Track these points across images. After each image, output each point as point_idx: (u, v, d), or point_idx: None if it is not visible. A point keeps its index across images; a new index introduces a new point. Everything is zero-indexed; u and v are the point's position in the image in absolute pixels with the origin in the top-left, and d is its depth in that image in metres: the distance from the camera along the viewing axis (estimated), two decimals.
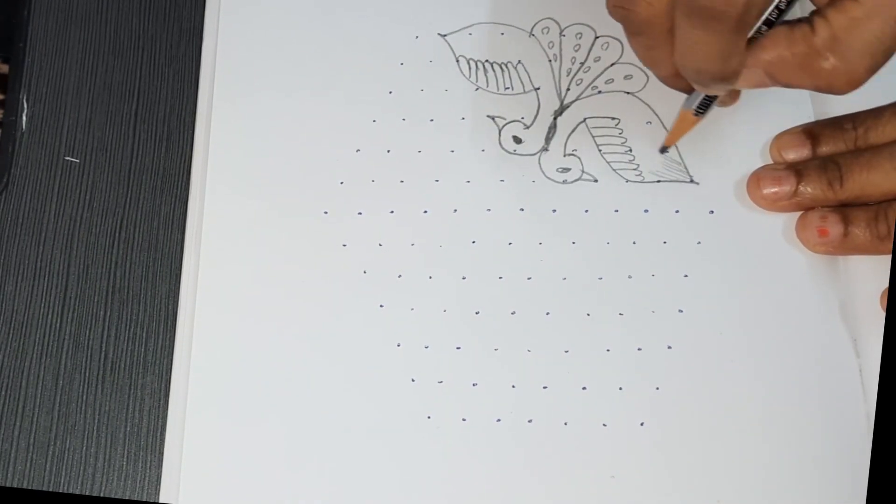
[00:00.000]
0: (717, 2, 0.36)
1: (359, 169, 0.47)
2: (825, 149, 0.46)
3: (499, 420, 0.43)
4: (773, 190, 0.46)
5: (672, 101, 0.49)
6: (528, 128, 0.49)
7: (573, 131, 0.49)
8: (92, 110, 0.49)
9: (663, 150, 0.47)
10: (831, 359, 0.44)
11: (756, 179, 0.46)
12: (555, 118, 0.49)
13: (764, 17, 0.38)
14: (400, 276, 0.45)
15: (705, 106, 0.44)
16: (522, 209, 0.47)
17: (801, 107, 0.48)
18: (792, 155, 0.47)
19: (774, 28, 0.38)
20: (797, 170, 0.45)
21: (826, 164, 0.45)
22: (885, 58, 0.37)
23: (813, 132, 0.46)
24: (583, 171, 0.48)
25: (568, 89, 0.50)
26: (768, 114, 0.48)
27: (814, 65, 0.37)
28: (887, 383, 0.39)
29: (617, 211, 0.47)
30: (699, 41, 0.38)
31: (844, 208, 0.45)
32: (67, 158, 0.48)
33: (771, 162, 0.47)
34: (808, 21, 0.37)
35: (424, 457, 0.43)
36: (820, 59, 0.37)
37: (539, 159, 0.48)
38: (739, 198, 0.47)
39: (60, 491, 0.42)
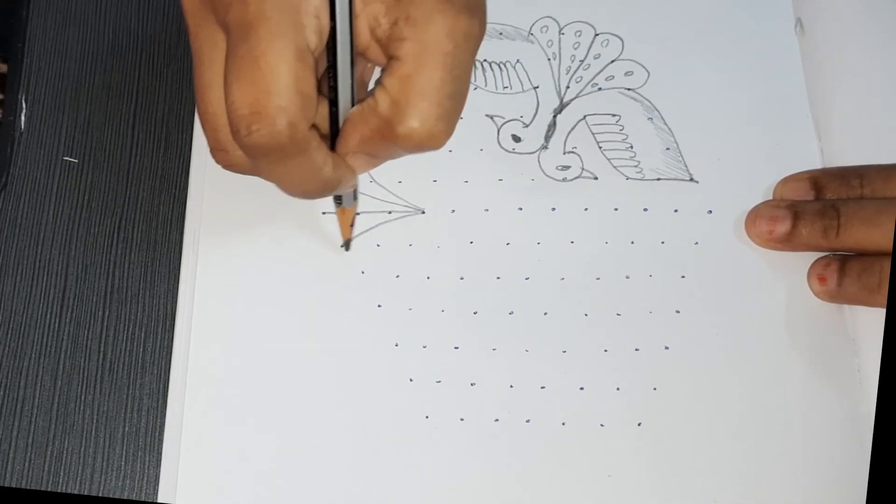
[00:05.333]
0: (257, 141, 0.35)
1: None
2: (829, 197, 0.45)
3: (497, 420, 0.43)
4: (767, 229, 0.45)
5: (674, 99, 0.49)
6: (527, 126, 0.49)
7: (573, 129, 0.49)
8: (91, 110, 0.49)
9: (346, 245, 0.46)
10: (831, 359, 0.44)
11: (753, 216, 0.46)
12: (554, 116, 0.49)
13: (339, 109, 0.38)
14: (398, 276, 0.45)
15: (339, 198, 0.43)
16: (521, 208, 0.47)
17: (800, 105, 0.48)
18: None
19: (349, 112, 0.38)
20: (795, 211, 0.45)
21: (825, 210, 0.44)
22: (456, 101, 0.36)
23: (819, 183, 0.46)
24: (583, 169, 0.48)
25: (567, 87, 0.50)
26: (769, 113, 0.48)
27: (391, 133, 0.36)
28: (887, 383, 0.39)
29: (616, 209, 0.47)
30: (281, 179, 0.38)
31: (845, 258, 0.44)
32: (66, 158, 0.48)
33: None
34: (373, 93, 0.37)
35: (422, 456, 0.43)
36: (394, 126, 0.36)
37: (538, 157, 0.48)
38: (738, 198, 0.46)
39: (59, 491, 0.43)
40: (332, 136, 0.38)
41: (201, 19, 0.37)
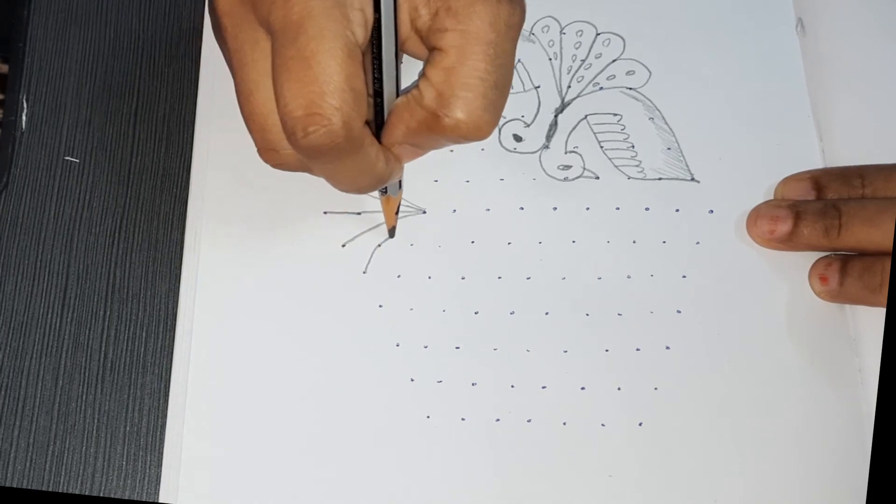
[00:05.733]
0: (314, 142, 0.35)
1: None
2: (830, 197, 0.45)
3: (498, 420, 0.43)
4: (768, 229, 0.45)
5: (676, 98, 0.49)
6: (528, 126, 0.49)
7: (574, 128, 0.49)
8: (91, 110, 0.49)
9: (391, 233, 0.46)
10: (832, 358, 0.44)
11: (755, 216, 0.46)
12: (556, 115, 0.49)
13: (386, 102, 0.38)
14: (399, 276, 0.45)
15: (384, 188, 0.43)
16: (522, 208, 0.47)
17: (801, 105, 0.48)
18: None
19: (394, 104, 0.38)
20: (797, 211, 0.45)
21: (826, 210, 0.44)
22: (500, 91, 0.37)
23: (820, 183, 0.46)
24: (584, 168, 0.48)
25: (569, 86, 0.50)
26: (770, 113, 0.48)
27: (437, 125, 0.36)
28: (887, 383, 0.39)
29: (618, 209, 0.47)
30: (336, 176, 0.38)
31: (847, 258, 0.44)
32: (67, 158, 0.48)
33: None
34: (417, 85, 0.37)
35: (423, 456, 0.43)
36: (440, 118, 0.36)
37: (540, 157, 0.48)
38: (739, 198, 0.47)
39: (60, 491, 0.43)
40: (377, 127, 0.39)
41: (240, 19, 0.37)
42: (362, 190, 0.40)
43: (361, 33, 0.35)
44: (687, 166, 0.48)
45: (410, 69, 0.41)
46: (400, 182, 0.44)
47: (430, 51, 0.37)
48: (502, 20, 0.36)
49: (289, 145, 0.37)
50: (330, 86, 0.34)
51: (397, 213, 0.46)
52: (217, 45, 0.49)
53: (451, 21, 0.36)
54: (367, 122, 0.37)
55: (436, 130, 0.37)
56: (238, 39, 0.37)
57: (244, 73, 0.37)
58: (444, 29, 0.36)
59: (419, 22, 0.37)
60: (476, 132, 0.36)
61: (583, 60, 0.50)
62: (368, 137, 0.37)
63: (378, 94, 0.38)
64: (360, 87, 0.35)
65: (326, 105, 0.34)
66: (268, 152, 0.38)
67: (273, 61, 0.35)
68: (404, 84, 0.40)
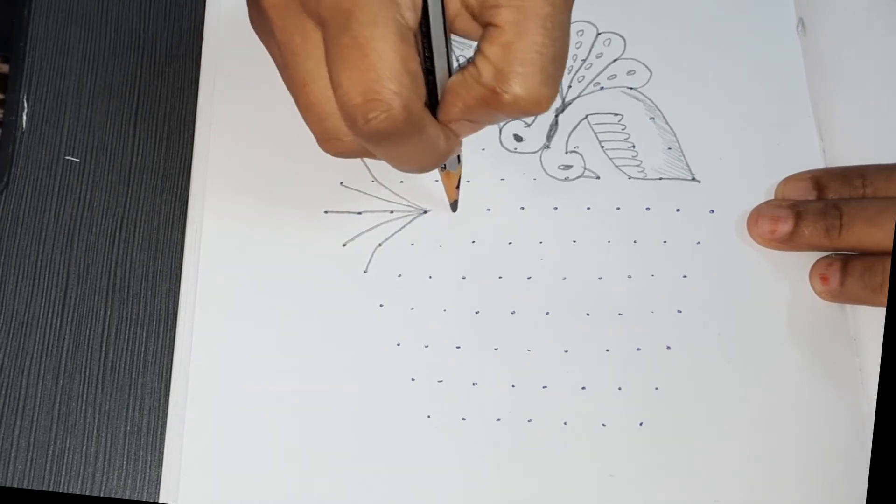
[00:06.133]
0: (377, 127, 0.35)
1: (359, 169, 0.47)
2: (831, 197, 0.45)
3: (498, 419, 0.43)
4: (769, 228, 0.45)
5: (676, 98, 0.49)
6: (528, 125, 0.49)
7: (575, 128, 0.49)
8: (92, 110, 0.49)
9: (453, 206, 0.46)
10: (833, 358, 0.44)
11: (755, 216, 0.46)
12: (556, 115, 0.49)
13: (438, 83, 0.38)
14: (400, 275, 0.45)
15: (443, 165, 0.44)
16: (523, 208, 0.47)
17: (801, 105, 0.48)
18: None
19: (449, 81, 0.38)
20: (797, 211, 0.45)
21: (827, 210, 0.44)
22: (558, 65, 0.37)
23: (821, 183, 0.46)
24: (585, 168, 0.48)
25: (570, 86, 0.50)
26: (771, 113, 0.48)
27: (496, 101, 0.36)
28: (887, 383, 0.39)
29: (618, 208, 0.47)
30: (399, 158, 0.38)
31: (847, 257, 0.44)
32: (68, 158, 0.48)
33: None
34: (473, 61, 0.37)
35: (424, 456, 0.43)
36: (499, 95, 0.36)
37: (540, 157, 0.48)
38: (740, 197, 0.47)
39: (60, 490, 0.43)
40: (431, 106, 0.39)
41: (287, 11, 0.37)
42: (425, 169, 0.40)
43: (412, 16, 0.36)
44: (688, 166, 0.48)
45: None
46: (459, 157, 0.44)
47: (485, 27, 0.37)
48: None
49: (349, 133, 0.37)
50: (387, 71, 0.34)
51: (458, 186, 0.45)
52: (217, 47, 0.50)
53: None
54: (425, 103, 0.37)
55: (494, 106, 0.37)
56: (287, 31, 0.37)
57: (297, 64, 0.37)
58: (499, 5, 0.36)
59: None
60: (536, 107, 0.36)
61: (583, 60, 0.50)
62: (428, 117, 0.37)
63: (430, 72, 0.38)
64: (416, 68, 0.36)
65: (385, 90, 0.34)
66: (329, 142, 0.38)
67: (327, 50, 0.36)
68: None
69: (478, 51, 0.37)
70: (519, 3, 0.36)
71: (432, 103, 0.39)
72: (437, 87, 0.38)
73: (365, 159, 0.47)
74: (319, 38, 0.36)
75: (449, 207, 0.46)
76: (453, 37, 0.39)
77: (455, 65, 0.39)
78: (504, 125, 0.48)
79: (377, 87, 0.34)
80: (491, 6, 0.36)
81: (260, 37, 0.40)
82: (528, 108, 0.36)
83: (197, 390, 0.43)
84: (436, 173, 0.46)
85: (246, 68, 0.49)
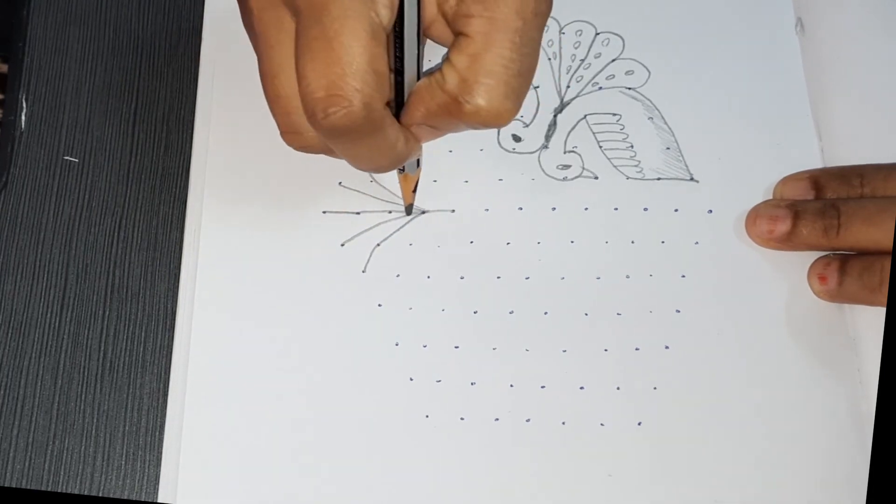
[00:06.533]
0: (335, 123, 0.35)
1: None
2: (829, 197, 0.45)
3: (497, 419, 0.43)
4: (767, 228, 0.45)
5: (675, 98, 0.49)
6: (527, 126, 0.49)
7: (573, 128, 0.49)
8: (91, 110, 0.49)
9: (408, 210, 0.47)
10: (831, 358, 0.44)
11: (754, 216, 0.46)
12: (555, 115, 0.49)
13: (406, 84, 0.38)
14: (398, 275, 0.45)
15: (402, 167, 0.44)
16: (521, 208, 0.47)
17: (800, 105, 0.48)
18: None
19: (416, 85, 0.38)
20: (796, 211, 0.45)
21: (825, 210, 0.44)
22: (523, 80, 0.36)
23: (819, 182, 0.46)
24: (583, 168, 0.48)
25: (568, 86, 0.50)
26: (770, 113, 0.48)
27: (458, 110, 0.36)
28: (887, 383, 0.39)
29: (616, 209, 0.47)
30: (357, 156, 0.38)
31: (846, 257, 0.44)
32: (66, 158, 0.48)
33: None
34: (441, 68, 0.37)
35: (423, 456, 0.43)
36: (461, 104, 0.36)
37: (539, 157, 0.48)
38: (738, 197, 0.46)
39: (59, 490, 0.43)
40: (398, 106, 0.39)
41: (266, 2, 0.37)
42: (381, 169, 0.40)
43: (387, 14, 0.35)
44: (686, 166, 0.48)
45: (431, 53, 0.41)
46: (419, 161, 0.44)
47: (456, 36, 0.37)
48: (529, 8, 0.36)
49: (311, 128, 0.37)
50: (352, 67, 0.34)
51: (415, 190, 0.46)
52: (215, 47, 0.50)
53: (478, 7, 0.36)
54: (388, 103, 0.37)
55: (456, 115, 0.37)
56: (263, 22, 0.37)
57: (269, 55, 0.37)
58: (471, 15, 0.36)
59: (446, 6, 0.37)
60: (496, 119, 0.36)
61: (582, 60, 0.50)
62: (389, 118, 0.37)
63: (399, 72, 0.38)
64: (383, 68, 0.35)
65: (347, 86, 0.34)
66: (291, 135, 0.39)
67: (297, 42, 0.35)
68: (426, 66, 0.40)
69: (446, 58, 0.37)
70: (490, 15, 0.36)
71: (398, 104, 0.39)
72: (404, 89, 0.38)
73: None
74: (294, 30, 0.36)
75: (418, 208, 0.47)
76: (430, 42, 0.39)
77: (425, 69, 0.39)
78: None
79: (340, 83, 0.34)
80: (463, 15, 0.36)
81: (246, 29, 0.40)
82: (489, 120, 0.36)
83: (195, 390, 0.43)
84: (433, 173, 0.46)
85: (245, 68, 0.49)
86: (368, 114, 0.35)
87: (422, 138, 0.39)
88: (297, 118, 0.37)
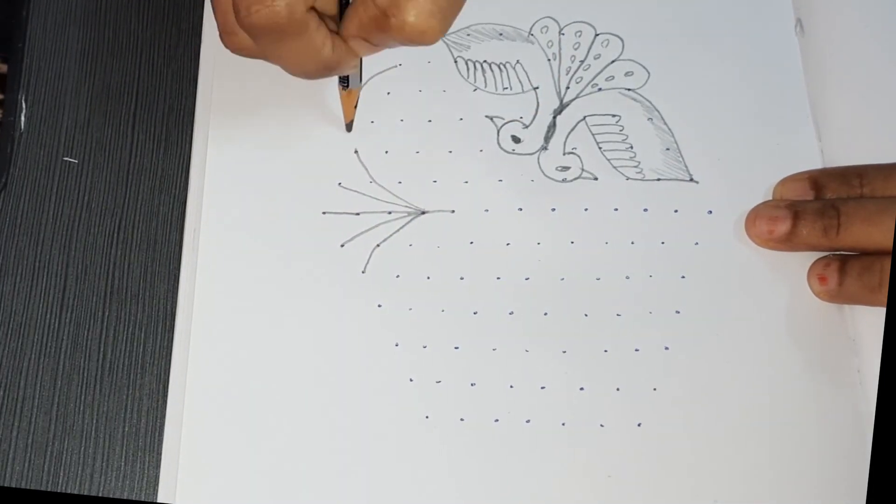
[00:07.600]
0: (256, 21, 0.37)
1: (357, 169, 0.47)
2: (829, 197, 0.45)
3: (497, 420, 0.43)
4: (767, 229, 0.45)
5: (674, 99, 0.49)
6: (526, 127, 0.49)
7: (573, 129, 0.49)
8: (90, 111, 0.49)
9: (348, 127, 0.47)
10: (831, 358, 0.44)
11: (753, 216, 0.46)
12: (554, 117, 0.49)
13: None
14: (398, 276, 0.45)
15: (346, 80, 0.44)
16: (521, 209, 0.47)
17: (799, 105, 0.48)
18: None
19: None
20: (795, 211, 0.45)
21: (825, 210, 0.44)
22: (451, 3, 0.37)
23: (819, 183, 0.46)
24: (583, 170, 0.48)
25: (567, 88, 0.50)
26: (769, 113, 0.48)
27: (386, 24, 0.37)
28: (887, 383, 0.39)
29: (616, 210, 0.47)
30: (281, 57, 0.40)
31: (846, 257, 0.44)
32: (66, 159, 0.48)
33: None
34: None
35: (422, 457, 0.43)
36: (387, 17, 0.37)
37: (538, 158, 0.48)
38: (738, 198, 0.46)
39: (59, 491, 0.43)
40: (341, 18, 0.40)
41: None
42: (310, 74, 0.41)
43: None
44: (686, 167, 0.48)
45: None
46: (361, 75, 0.45)
47: None
48: None
49: None
50: None
51: (356, 106, 0.46)
52: (215, 47, 0.49)
53: None
54: (316, 10, 0.38)
55: (384, 29, 0.38)
56: None
57: None
58: None
59: None
60: (420, 36, 0.37)
61: (581, 61, 0.50)
62: (314, 22, 0.38)
63: None
64: None
65: None
66: (227, 36, 0.40)
67: None
68: None
69: None
70: None
71: (342, 16, 0.40)
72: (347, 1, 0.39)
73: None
74: None
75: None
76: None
77: None
78: (502, 126, 0.48)
79: None
80: None
81: None
82: (413, 36, 0.37)
83: (195, 391, 0.43)
84: (433, 174, 0.46)
85: (244, 69, 0.49)
86: (290, 14, 0.37)
87: (359, 51, 0.40)
88: (234, 19, 0.39)
